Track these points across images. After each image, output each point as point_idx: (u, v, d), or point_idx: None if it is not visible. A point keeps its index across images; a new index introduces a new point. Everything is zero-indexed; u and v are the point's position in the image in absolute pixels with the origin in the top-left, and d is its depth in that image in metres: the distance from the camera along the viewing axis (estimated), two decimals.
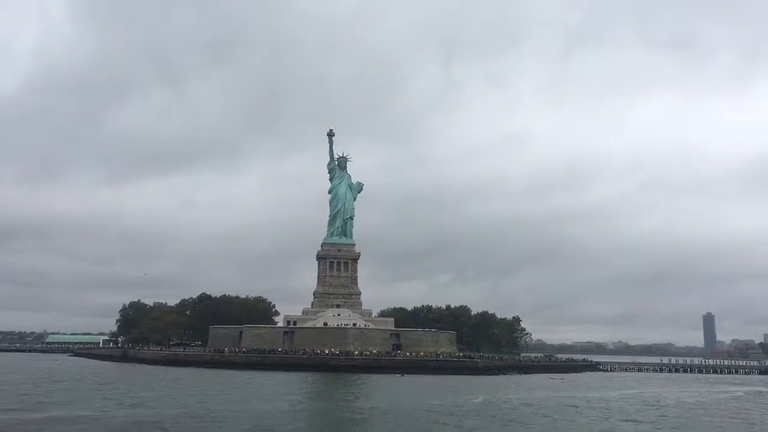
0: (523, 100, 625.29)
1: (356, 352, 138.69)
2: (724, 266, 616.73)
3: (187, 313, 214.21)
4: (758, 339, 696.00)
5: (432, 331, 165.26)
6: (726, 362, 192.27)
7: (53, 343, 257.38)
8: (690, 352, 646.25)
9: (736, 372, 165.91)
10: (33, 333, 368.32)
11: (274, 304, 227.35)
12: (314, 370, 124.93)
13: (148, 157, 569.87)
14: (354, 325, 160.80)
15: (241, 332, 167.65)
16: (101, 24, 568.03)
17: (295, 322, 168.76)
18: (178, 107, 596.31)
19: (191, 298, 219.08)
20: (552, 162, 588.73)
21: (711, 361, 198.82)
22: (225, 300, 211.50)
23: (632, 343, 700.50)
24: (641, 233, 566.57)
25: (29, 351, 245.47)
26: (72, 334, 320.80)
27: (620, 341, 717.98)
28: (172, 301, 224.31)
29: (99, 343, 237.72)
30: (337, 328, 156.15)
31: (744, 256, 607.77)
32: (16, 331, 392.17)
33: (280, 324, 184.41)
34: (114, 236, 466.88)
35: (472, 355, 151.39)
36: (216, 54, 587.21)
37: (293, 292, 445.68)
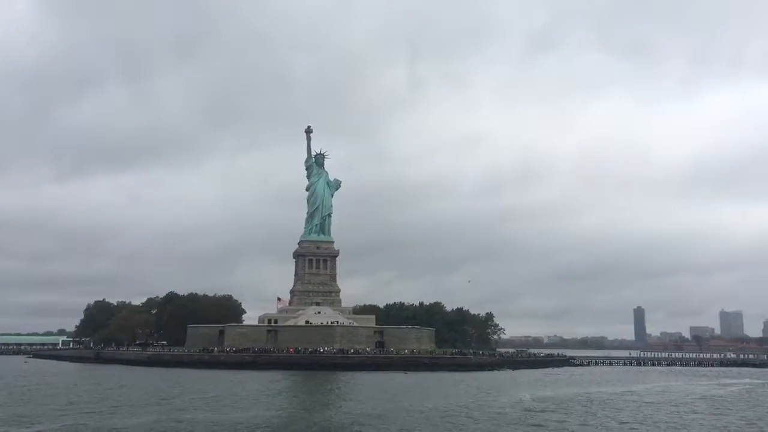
0: (482, 101, 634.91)
1: (351, 350, 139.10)
2: (657, 262, 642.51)
3: (153, 312, 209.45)
4: (684, 332, 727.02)
5: (416, 328, 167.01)
6: (692, 356, 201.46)
7: (2, 344, 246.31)
8: (621, 344, 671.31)
9: (703, 365, 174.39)
10: None
11: (240, 303, 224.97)
12: (306, 368, 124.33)
13: (99, 153, 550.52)
14: (337, 322, 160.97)
15: (221, 331, 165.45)
16: (65, 18, 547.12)
17: (276, 321, 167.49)
18: (137, 104, 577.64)
19: (157, 297, 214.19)
20: (504, 162, 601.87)
21: (676, 355, 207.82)
22: (193, 299, 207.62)
23: (566, 336, 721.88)
24: (582, 230, 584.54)
25: None
26: (16, 334, 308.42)
27: (555, 335, 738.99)
28: (136, 301, 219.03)
29: (58, 344, 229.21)
30: (323, 326, 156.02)
31: (677, 252, 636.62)
32: None
33: (254, 323, 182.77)
34: (53, 233, 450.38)
35: (465, 352, 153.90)
36: (179, 50, 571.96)
37: (245, 290, 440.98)
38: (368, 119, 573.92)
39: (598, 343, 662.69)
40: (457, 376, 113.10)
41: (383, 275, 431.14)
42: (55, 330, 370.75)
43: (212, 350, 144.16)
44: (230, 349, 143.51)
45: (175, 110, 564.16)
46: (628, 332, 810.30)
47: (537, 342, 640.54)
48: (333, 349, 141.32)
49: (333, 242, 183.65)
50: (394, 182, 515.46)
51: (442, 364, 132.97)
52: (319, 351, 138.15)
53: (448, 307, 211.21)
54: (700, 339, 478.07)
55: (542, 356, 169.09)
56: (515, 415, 53.81)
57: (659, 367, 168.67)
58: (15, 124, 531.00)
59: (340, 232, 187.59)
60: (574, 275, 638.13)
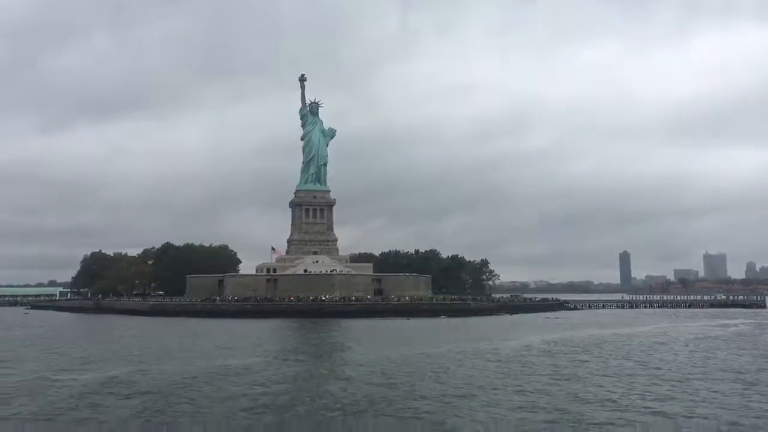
0: (473, 49, 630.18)
1: (352, 298, 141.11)
2: (644, 207, 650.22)
3: (149, 262, 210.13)
4: (669, 275, 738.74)
5: (413, 275, 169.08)
6: (683, 298, 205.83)
7: None
8: (607, 288, 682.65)
9: (694, 307, 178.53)
10: None
11: (235, 252, 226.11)
12: (308, 316, 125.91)
13: (85, 104, 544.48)
14: (335, 271, 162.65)
15: (220, 281, 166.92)
16: None
17: (274, 270, 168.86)
18: (123, 54, 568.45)
19: (153, 248, 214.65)
20: (494, 109, 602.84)
21: (668, 297, 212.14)
22: (189, 249, 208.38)
23: (553, 281, 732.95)
24: (571, 176, 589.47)
25: None
26: (8, 286, 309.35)
27: (541, 280, 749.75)
28: (132, 252, 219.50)
29: (55, 295, 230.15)
30: (323, 275, 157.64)
31: (664, 197, 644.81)
32: None
33: (251, 272, 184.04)
34: (40, 185, 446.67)
35: (463, 298, 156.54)
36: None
37: (235, 240, 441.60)
38: (359, 69, 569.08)
39: (584, 287, 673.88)
40: (458, 321, 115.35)
41: (374, 223, 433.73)
42: (45, 281, 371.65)
43: (214, 299, 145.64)
44: (232, 299, 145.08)
45: (163, 60, 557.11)
46: (613, 276, 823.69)
47: (524, 287, 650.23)
48: (334, 297, 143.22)
49: (329, 191, 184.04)
50: (384, 131, 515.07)
51: (442, 309, 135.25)
52: (321, 299, 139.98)
53: (443, 255, 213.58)
54: (685, 281, 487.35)
55: (538, 301, 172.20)
56: (537, 358, 55.23)
57: (651, 309, 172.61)
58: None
59: (333, 180, 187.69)
60: (561, 221, 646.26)
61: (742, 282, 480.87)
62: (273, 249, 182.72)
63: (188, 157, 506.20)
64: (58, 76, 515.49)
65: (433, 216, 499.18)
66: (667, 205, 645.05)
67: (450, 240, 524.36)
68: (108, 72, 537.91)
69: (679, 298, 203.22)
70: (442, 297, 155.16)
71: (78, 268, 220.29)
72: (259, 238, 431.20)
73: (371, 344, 67.06)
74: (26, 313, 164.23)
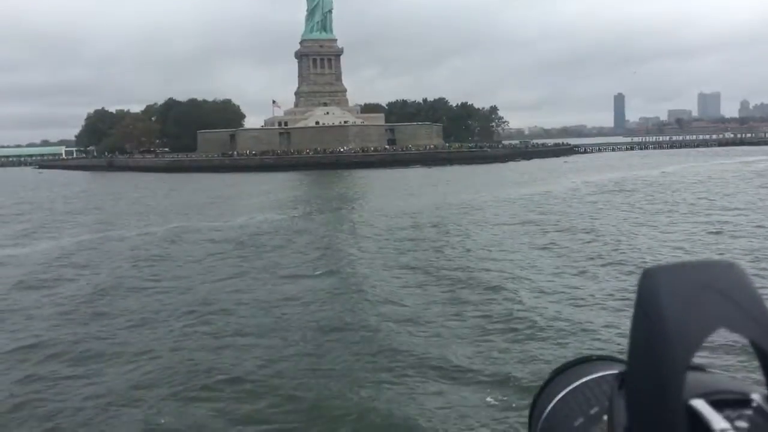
0: None
1: (370, 149, 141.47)
2: (638, 48, 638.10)
3: (153, 119, 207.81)
4: (663, 116, 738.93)
5: (426, 124, 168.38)
6: (693, 137, 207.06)
7: (1, 156, 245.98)
8: (600, 132, 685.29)
9: (703, 146, 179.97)
10: None
11: (239, 106, 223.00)
12: (327, 168, 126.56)
13: None
14: (347, 122, 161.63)
15: (231, 135, 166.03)
16: None
17: (286, 123, 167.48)
18: None
19: (156, 103, 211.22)
20: None
21: (679, 138, 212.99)
22: (194, 104, 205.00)
23: (546, 127, 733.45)
24: (568, 15, 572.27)
25: None
26: (13, 146, 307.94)
27: (535, 126, 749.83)
28: (134, 109, 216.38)
29: (60, 154, 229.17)
30: (337, 126, 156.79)
31: (661, 37, 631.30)
32: None
33: (257, 126, 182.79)
34: (21, 40, 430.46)
35: (481, 145, 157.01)
36: None
37: (234, 94, 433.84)
38: None
39: (577, 131, 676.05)
40: (481, 168, 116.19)
41: (367, 73, 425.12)
42: (38, 141, 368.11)
43: (231, 154, 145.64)
44: (249, 153, 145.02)
45: None
46: (606, 120, 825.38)
47: (519, 134, 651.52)
48: (351, 148, 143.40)
49: (336, 40, 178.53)
50: None
51: (459, 158, 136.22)
52: (339, 151, 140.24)
53: (452, 103, 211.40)
54: (681, 121, 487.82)
55: (551, 146, 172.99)
56: (588, 196, 56.01)
57: (662, 150, 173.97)
58: None
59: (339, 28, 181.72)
60: (556, 65, 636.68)
61: (738, 121, 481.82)
62: (274, 102, 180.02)
63: (175, 6, 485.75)
64: None
65: (425, 64, 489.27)
66: (665, 45, 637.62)
67: (443, 87, 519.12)
68: None
69: (688, 138, 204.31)
70: (456, 145, 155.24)
71: (74, 126, 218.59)
72: (258, 92, 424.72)
73: (429, 190, 67.65)
74: (40, 173, 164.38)
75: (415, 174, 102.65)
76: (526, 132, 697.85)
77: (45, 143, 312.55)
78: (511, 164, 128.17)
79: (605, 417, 0.75)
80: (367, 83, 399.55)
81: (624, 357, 0.74)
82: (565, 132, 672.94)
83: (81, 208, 62.63)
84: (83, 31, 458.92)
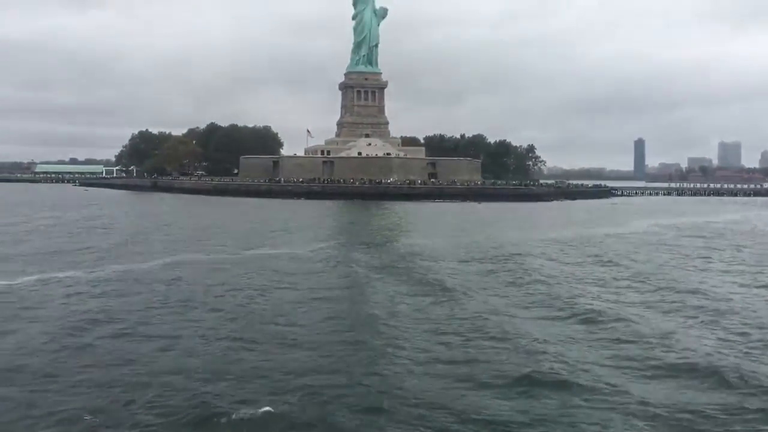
0: None
1: (416, 181, 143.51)
2: (662, 93, 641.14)
3: (193, 142, 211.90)
4: (682, 162, 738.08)
5: (467, 159, 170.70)
6: (726, 186, 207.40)
7: (42, 172, 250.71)
8: (619, 175, 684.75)
9: (739, 195, 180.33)
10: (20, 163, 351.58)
11: (277, 133, 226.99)
12: (372, 198, 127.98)
13: None
14: (389, 154, 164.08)
15: (275, 162, 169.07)
16: None
17: (328, 152, 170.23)
18: None
19: (198, 127, 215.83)
20: None
21: (710, 185, 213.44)
22: (235, 130, 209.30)
23: (566, 167, 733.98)
24: (594, 59, 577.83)
25: (17, 181, 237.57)
26: (55, 162, 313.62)
27: (555, 166, 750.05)
28: (176, 132, 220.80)
29: (100, 173, 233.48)
30: (381, 158, 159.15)
31: (684, 83, 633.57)
32: None
33: (299, 153, 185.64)
34: (54, 60, 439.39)
35: (526, 183, 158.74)
36: None
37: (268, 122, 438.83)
38: None
39: (597, 174, 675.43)
40: (529, 206, 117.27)
41: (391, 105, 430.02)
42: (67, 159, 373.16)
43: (279, 180, 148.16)
44: (296, 179, 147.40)
45: None
46: (625, 163, 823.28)
47: (540, 173, 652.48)
48: (395, 180, 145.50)
49: (381, 73, 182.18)
50: (406, 10, 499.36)
51: (504, 194, 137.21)
52: (384, 181, 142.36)
53: (489, 140, 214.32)
54: (705, 169, 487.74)
55: (590, 187, 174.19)
56: (687, 239, 57.15)
57: (697, 197, 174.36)
58: None
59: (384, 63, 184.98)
60: (577, 107, 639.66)
61: (761, 171, 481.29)
62: (308, 132, 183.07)
63: (207, 33, 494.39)
64: None
65: (449, 99, 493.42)
66: (688, 93, 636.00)
67: (465, 124, 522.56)
68: None
69: (725, 186, 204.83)
70: (502, 182, 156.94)
71: (101, 146, 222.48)
72: (287, 120, 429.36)
73: (489, 226, 69.21)
74: (86, 191, 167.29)
75: (470, 209, 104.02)
76: (545, 171, 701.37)
77: (90, 161, 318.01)
78: (555, 203, 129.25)
79: None
80: (392, 116, 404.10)
81: None
82: (587, 174, 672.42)
83: (184, 235, 64.91)
84: (110, 53, 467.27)
